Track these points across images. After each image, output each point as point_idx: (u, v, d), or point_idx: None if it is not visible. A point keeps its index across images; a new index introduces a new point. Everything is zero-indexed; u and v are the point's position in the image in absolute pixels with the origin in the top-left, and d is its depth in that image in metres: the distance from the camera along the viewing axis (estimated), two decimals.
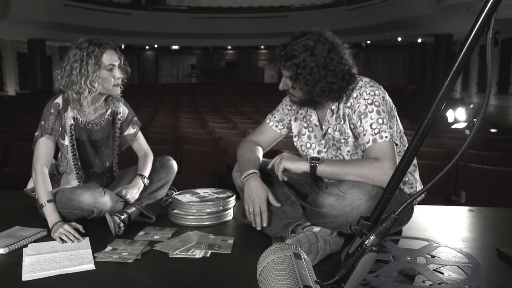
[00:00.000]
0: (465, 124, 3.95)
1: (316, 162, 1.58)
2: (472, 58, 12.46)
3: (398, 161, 1.65)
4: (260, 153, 1.85)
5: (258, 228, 1.66)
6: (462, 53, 0.80)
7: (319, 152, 1.78)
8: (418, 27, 13.39)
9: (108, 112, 2.02)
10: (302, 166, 1.60)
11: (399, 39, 16.13)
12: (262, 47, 20.70)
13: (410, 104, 10.19)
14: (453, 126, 4.34)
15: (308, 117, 1.79)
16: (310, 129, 1.80)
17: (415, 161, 1.79)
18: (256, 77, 19.14)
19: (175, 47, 20.48)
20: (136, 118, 2.13)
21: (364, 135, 1.58)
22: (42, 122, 1.87)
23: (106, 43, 1.87)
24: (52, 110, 1.88)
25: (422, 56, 15.94)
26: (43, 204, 1.75)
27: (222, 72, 19.86)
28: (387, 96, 1.65)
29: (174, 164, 2.12)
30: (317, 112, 1.77)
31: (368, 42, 18.39)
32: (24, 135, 5.50)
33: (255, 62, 21.64)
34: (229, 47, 20.84)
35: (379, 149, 1.55)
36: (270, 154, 2.06)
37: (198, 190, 2.10)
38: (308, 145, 1.80)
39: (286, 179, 1.66)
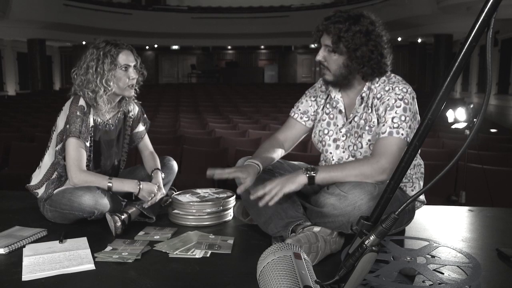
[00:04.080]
0: (465, 124, 3.95)
1: (312, 172, 1.56)
2: (472, 58, 12.45)
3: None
4: (275, 150, 1.82)
5: (238, 192, 1.62)
6: (462, 53, 0.80)
7: (334, 140, 1.78)
8: (418, 27, 13.39)
9: (120, 111, 2.03)
10: (301, 180, 1.56)
11: (399, 39, 16.12)
12: (262, 47, 20.69)
13: None
14: (453, 126, 4.35)
15: (334, 103, 1.78)
16: (331, 116, 1.80)
17: (422, 169, 1.79)
18: (256, 77, 19.13)
19: (175, 47, 20.47)
20: (145, 115, 2.15)
21: (383, 125, 1.60)
22: (67, 126, 1.84)
23: (123, 43, 1.90)
24: (78, 113, 1.85)
25: (422, 56, 15.93)
26: (110, 184, 1.81)
27: (222, 72, 19.85)
28: (415, 99, 1.66)
29: (175, 165, 2.12)
30: (344, 100, 1.77)
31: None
32: (24, 135, 5.51)
33: (255, 62, 21.63)
34: (229, 47, 20.83)
35: (388, 143, 1.56)
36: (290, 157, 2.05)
37: (198, 190, 2.10)
38: (326, 131, 1.80)
39: None
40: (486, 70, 0.80)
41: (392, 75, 1.70)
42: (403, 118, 1.58)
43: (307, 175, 1.55)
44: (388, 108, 1.60)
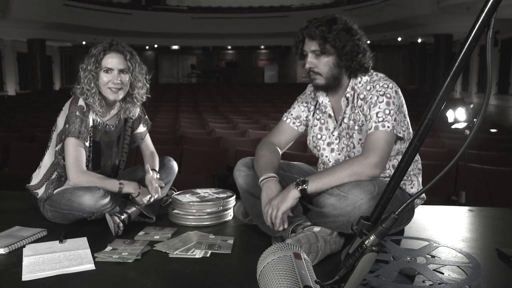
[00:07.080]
0: (465, 124, 3.95)
1: (304, 184, 1.55)
2: (472, 58, 12.46)
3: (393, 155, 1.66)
4: (278, 156, 1.83)
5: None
6: (462, 53, 0.80)
7: (328, 144, 1.79)
8: (418, 27, 13.39)
9: (120, 114, 2.02)
10: (293, 195, 1.55)
11: (399, 39, 16.12)
12: (262, 47, 20.69)
13: (410, 104, 10.13)
14: (453, 126, 4.34)
15: (323, 108, 1.80)
16: (322, 121, 1.82)
17: (420, 165, 1.80)
18: (256, 77, 19.12)
19: (175, 47, 20.47)
20: (146, 116, 2.15)
21: (369, 122, 1.62)
22: (67, 126, 1.84)
23: (118, 46, 1.87)
24: (77, 113, 1.85)
25: (422, 56, 15.93)
26: (121, 186, 1.82)
27: (222, 72, 19.85)
28: (400, 92, 1.67)
29: (175, 165, 2.12)
30: (332, 104, 1.78)
31: (368, 42, 18.35)
32: (24, 135, 5.50)
33: (255, 62, 21.63)
34: (229, 47, 20.83)
35: (375, 138, 1.57)
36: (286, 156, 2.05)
37: (198, 190, 2.10)
38: (319, 136, 1.82)
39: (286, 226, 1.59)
40: (486, 70, 0.80)
41: (374, 73, 1.72)
42: (387, 111, 1.60)
43: (298, 189, 1.55)
44: (372, 106, 1.63)
